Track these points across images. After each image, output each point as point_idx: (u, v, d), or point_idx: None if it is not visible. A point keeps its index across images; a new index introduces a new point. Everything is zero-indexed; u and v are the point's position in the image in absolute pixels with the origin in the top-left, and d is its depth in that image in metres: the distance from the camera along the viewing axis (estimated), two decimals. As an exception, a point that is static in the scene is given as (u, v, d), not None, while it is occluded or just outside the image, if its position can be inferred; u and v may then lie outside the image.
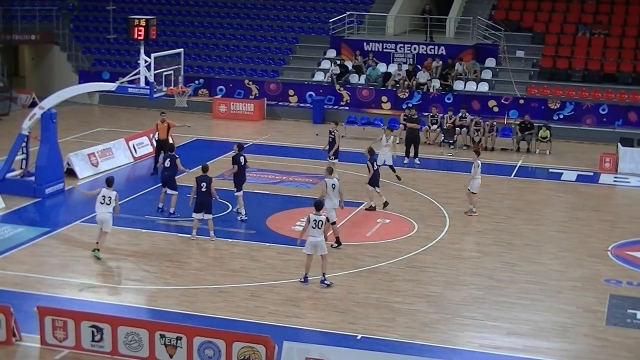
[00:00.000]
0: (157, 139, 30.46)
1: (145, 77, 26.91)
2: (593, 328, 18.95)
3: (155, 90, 26.85)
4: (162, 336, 16.54)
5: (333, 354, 16.01)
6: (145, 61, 26.88)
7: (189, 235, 23.89)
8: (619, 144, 33.82)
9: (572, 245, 24.45)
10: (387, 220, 25.87)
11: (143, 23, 27.05)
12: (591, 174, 32.50)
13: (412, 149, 33.37)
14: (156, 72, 26.84)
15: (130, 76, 27.73)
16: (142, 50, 27.13)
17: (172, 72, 27.45)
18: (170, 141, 29.59)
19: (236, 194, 25.62)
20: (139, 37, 27.09)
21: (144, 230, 24.57)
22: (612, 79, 41.10)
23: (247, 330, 17.27)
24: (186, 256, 22.72)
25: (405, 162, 33.04)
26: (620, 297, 20.60)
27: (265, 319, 18.83)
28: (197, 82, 41.80)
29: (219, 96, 42.93)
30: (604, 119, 38.99)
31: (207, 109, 41.58)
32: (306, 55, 45.42)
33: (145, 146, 33.46)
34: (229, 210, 26.08)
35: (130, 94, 28.53)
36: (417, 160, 33.19)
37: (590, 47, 42.57)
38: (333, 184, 23.39)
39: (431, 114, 37.11)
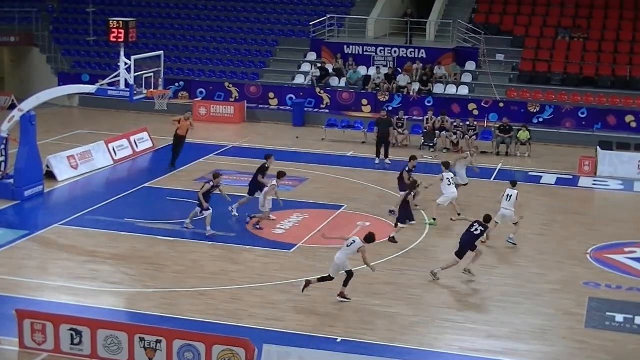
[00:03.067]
0: (177, 134, 31.64)
1: (126, 80, 26.83)
2: (572, 331, 19.03)
3: (135, 92, 26.78)
4: (141, 339, 16.48)
5: (312, 357, 16.02)
6: (125, 64, 26.80)
7: (171, 238, 23.90)
8: (598, 147, 34.01)
9: (551, 248, 24.55)
10: (367, 223, 25.87)
11: (122, 25, 26.96)
12: (570, 177, 32.64)
13: (382, 150, 33.83)
14: (136, 74, 26.76)
15: (110, 78, 27.65)
16: (122, 53, 27.07)
17: (152, 74, 27.38)
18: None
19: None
20: (119, 40, 27.00)
21: (122, 233, 24.49)
22: (591, 82, 41.29)
23: (226, 333, 17.25)
24: (165, 259, 22.65)
25: (376, 162, 33.29)
26: (599, 299, 20.69)
27: (245, 322, 18.79)
28: (177, 84, 41.76)
29: (199, 99, 42.87)
30: (583, 123, 39.17)
31: (187, 111, 41.42)
32: (286, 58, 45.41)
33: (125, 149, 33.39)
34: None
35: (110, 97, 28.51)
36: (387, 161, 33.41)
37: (570, 51, 42.77)
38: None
39: (397, 117, 37.14)
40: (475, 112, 39.71)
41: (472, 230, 21.71)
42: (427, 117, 37.36)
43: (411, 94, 41.35)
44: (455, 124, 36.74)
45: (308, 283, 20.10)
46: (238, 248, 23.58)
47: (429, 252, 23.78)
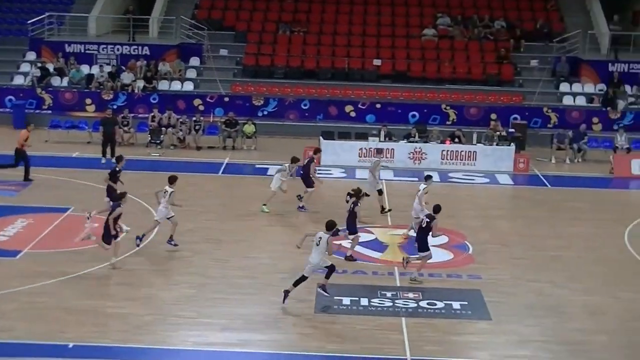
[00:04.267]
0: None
1: None
2: (303, 317, 19.55)
3: None
4: None
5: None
6: None
7: None
8: (321, 137, 35.12)
9: (281, 239, 25.09)
10: (96, 225, 25.35)
11: None
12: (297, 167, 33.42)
13: (108, 150, 33.50)
14: None
15: None
16: None
17: None
18: None
19: None
20: None
21: None
22: (313, 75, 42.59)
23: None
24: None
25: (102, 162, 32.84)
26: (327, 285, 21.33)
27: (-31, 336, 17.95)
28: None
29: None
30: (306, 114, 40.35)
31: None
32: (4, 58, 43.67)
33: None
34: None
35: None
36: (114, 160, 32.98)
37: (291, 45, 43.88)
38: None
39: (122, 115, 36.75)
40: (201, 108, 39.95)
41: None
42: (152, 114, 37.16)
43: (136, 91, 40.96)
44: (181, 120, 36.77)
45: (287, 292, 19.98)
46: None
47: (159, 250, 23.63)
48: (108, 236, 21.99)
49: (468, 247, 24.91)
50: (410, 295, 20.88)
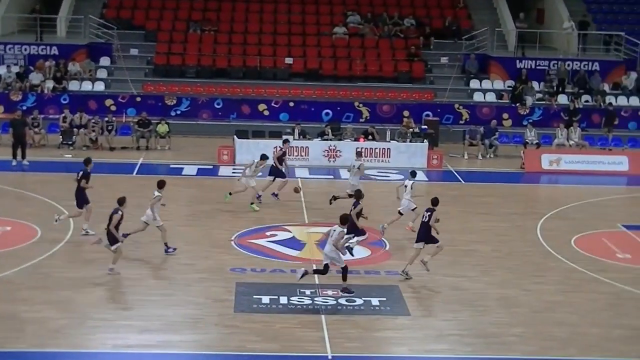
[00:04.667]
0: None
1: None
2: (222, 317, 19.49)
3: None
4: None
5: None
6: None
7: None
8: (235, 136, 35.05)
9: (198, 238, 24.99)
10: (8, 228, 24.93)
11: None
12: (211, 167, 33.43)
13: (19, 151, 32.91)
14: None
15: None
16: None
17: None
18: None
19: None
20: None
21: None
22: (225, 73, 42.47)
23: None
24: None
25: (13, 164, 32.26)
26: (246, 284, 21.35)
27: None
28: None
29: None
30: (220, 113, 40.22)
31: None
32: None
33: None
34: None
35: None
36: (25, 162, 32.53)
37: (202, 44, 43.68)
38: None
39: (32, 116, 36.10)
40: (113, 108, 39.52)
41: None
42: (63, 115, 36.60)
43: (45, 92, 40.27)
44: (93, 120, 36.30)
45: (306, 273, 20.58)
46: None
47: (75, 252, 23.33)
48: (113, 243, 21.74)
49: (385, 244, 25.14)
50: (330, 292, 20.96)
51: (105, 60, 42.85)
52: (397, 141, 35.36)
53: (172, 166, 33.47)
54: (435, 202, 22.58)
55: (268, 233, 25.51)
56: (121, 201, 22.10)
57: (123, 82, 41.39)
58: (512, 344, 18.73)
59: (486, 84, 43.47)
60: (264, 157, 28.53)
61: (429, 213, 22.36)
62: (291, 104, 40.70)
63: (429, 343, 18.63)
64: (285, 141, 30.71)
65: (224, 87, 41.39)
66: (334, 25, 45.46)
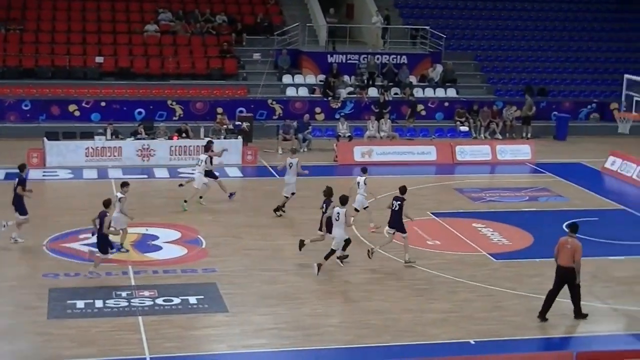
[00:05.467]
0: None
1: None
2: (35, 324, 19.00)
3: None
4: None
5: None
6: None
7: None
8: (44, 138, 34.11)
9: (5, 245, 24.09)
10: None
11: None
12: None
13: None
14: None
15: None
16: None
17: None
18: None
19: None
20: None
21: None
22: (32, 74, 41.21)
23: None
24: None
25: None
26: (60, 289, 20.89)
27: None
28: None
29: None
30: (28, 115, 39.01)
31: None
32: None
33: None
34: None
35: None
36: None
37: (8, 43, 42.21)
38: None
39: None
40: None
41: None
42: None
43: None
44: None
45: (320, 266, 22.33)
46: None
47: None
48: (105, 247, 21.71)
49: (201, 242, 25.08)
50: (146, 293, 20.79)
51: None
52: (212, 138, 35.26)
53: (-21, 171, 32.26)
54: (403, 190, 23.55)
55: (81, 236, 24.97)
56: (107, 203, 21.96)
57: None
58: (330, 334, 19.10)
59: (298, 79, 43.93)
60: (208, 147, 29.45)
61: (398, 202, 23.27)
62: (103, 103, 39.92)
63: (248, 338, 18.77)
64: (210, 142, 30.71)
65: (32, 87, 40.14)
66: (145, 23, 44.86)
